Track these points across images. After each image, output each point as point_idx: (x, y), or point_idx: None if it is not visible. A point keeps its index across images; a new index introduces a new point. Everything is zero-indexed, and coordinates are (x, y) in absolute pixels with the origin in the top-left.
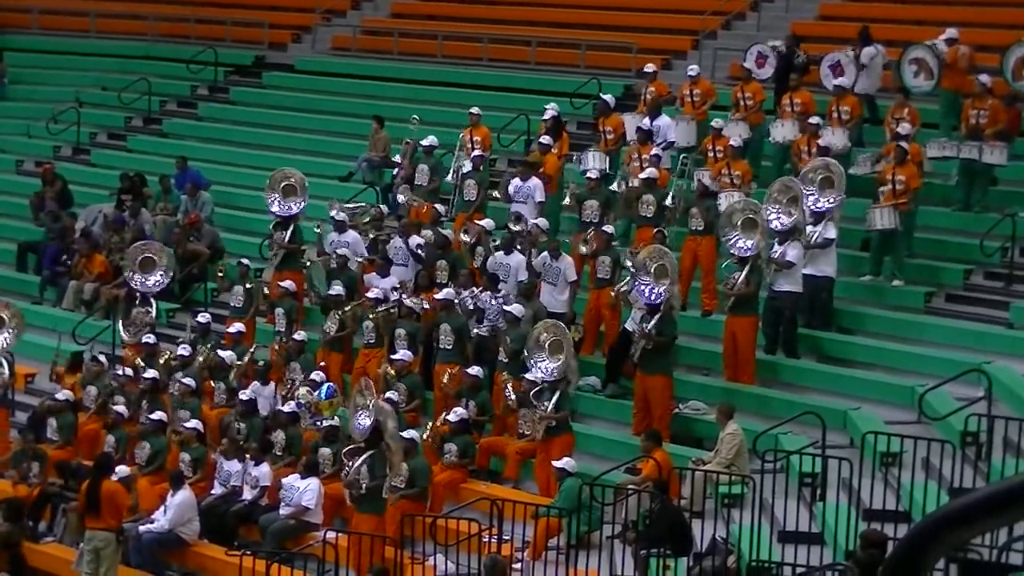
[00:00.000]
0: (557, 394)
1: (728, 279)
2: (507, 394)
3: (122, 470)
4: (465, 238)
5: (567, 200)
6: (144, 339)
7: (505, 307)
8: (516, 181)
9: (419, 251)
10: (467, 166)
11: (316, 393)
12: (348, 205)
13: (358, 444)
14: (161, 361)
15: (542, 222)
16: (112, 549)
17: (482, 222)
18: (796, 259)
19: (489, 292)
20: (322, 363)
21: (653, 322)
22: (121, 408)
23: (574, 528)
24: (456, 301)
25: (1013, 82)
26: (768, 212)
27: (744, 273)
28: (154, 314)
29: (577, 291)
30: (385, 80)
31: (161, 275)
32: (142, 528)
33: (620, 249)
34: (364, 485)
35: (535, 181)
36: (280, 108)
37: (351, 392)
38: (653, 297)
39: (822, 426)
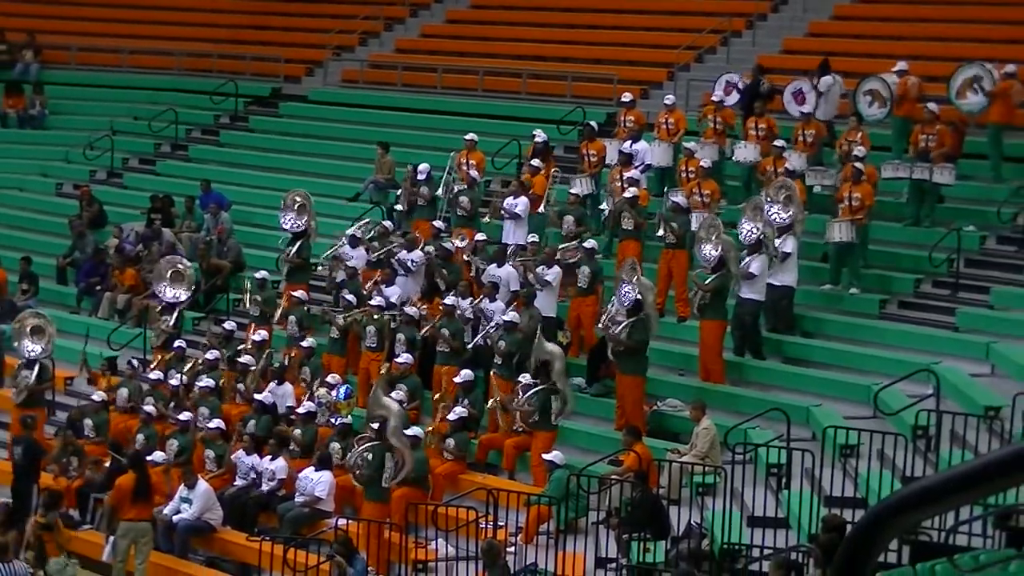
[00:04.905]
0: (535, 388)
1: (699, 286)
2: (491, 400)
3: (159, 455)
4: (460, 243)
5: (548, 220)
6: (172, 345)
7: (506, 318)
8: (509, 199)
9: (411, 265)
10: (460, 186)
11: (334, 393)
12: (361, 223)
13: (369, 436)
14: (187, 367)
15: (533, 237)
16: (149, 538)
17: (477, 236)
18: (758, 271)
19: (489, 300)
20: (327, 365)
21: (622, 326)
22: (150, 408)
23: (563, 515)
24: (457, 310)
25: (956, 99)
26: (742, 227)
27: (714, 277)
28: (171, 323)
29: (558, 298)
30: (390, 109)
31: (184, 290)
32: (174, 517)
33: (604, 262)
34: (360, 473)
35: (523, 199)
36: (295, 135)
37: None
38: (628, 298)
39: (787, 421)
